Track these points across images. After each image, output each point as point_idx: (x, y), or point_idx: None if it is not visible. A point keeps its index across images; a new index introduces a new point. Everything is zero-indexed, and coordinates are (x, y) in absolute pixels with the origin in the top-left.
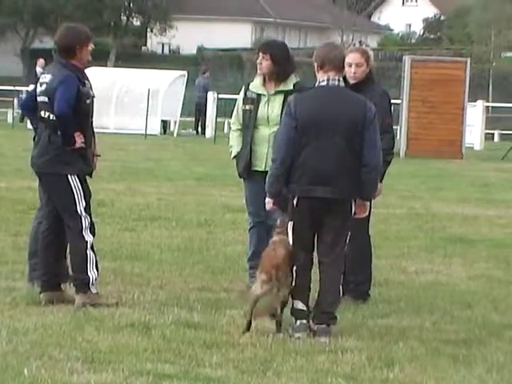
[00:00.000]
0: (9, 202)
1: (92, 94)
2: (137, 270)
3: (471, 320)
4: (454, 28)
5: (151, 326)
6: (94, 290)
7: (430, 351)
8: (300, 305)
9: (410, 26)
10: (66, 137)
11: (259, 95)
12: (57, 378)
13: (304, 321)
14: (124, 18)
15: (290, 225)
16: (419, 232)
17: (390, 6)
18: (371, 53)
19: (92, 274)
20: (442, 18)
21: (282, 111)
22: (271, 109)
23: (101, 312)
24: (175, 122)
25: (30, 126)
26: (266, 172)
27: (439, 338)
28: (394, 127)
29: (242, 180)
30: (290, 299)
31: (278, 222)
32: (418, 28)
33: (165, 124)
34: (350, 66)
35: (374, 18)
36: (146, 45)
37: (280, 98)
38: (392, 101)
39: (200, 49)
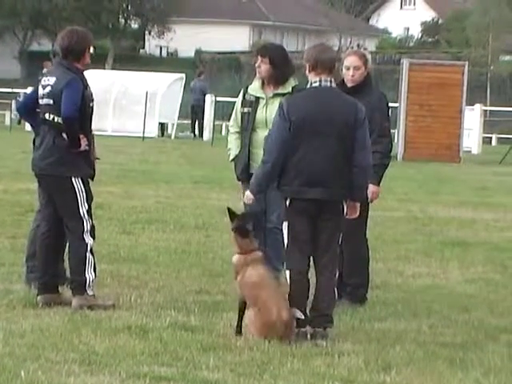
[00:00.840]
0: (6, 204)
1: (93, 97)
2: (134, 273)
3: (468, 323)
4: (452, 31)
5: (148, 328)
6: (90, 292)
7: (427, 354)
8: (298, 313)
9: (408, 29)
10: (72, 139)
11: (258, 98)
12: (54, 381)
13: (302, 329)
14: (122, 21)
15: (285, 225)
16: (416, 235)
17: (388, 10)
18: (369, 56)
19: (89, 276)
20: (440, 21)
21: None
22: (270, 112)
23: (98, 314)
24: (173, 125)
25: (28, 128)
26: None
27: (436, 342)
28: (392, 131)
29: (239, 183)
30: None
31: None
32: (415, 31)
33: (163, 127)
34: (348, 69)
35: (372, 22)
36: (143, 47)
37: (278, 101)
38: (390, 104)
39: (198, 51)
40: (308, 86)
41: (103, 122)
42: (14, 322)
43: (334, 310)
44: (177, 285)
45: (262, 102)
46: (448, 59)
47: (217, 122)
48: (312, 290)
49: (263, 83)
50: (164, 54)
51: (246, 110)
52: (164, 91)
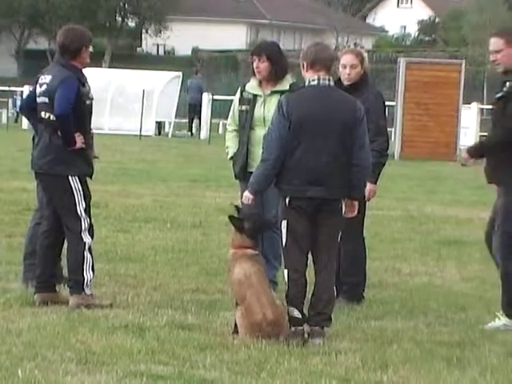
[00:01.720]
0: (3, 203)
1: (91, 96)
2: (131, 272)
3: (465, 322)
4: (449, 30)
5: (145, 327)
6: (88, 291)
7: (424, 353)
8: (295, 312)
9: (404, 27)
10: (66, 137)
11: (255, 96)
12: (50, 379)
13: (299, 327)
14: (119, 19)
15: (283, 224)
16: (413, 234)
17: (384, 8)
18: (366, 54)
19: (87, 275)
20: (437, 20)
21: None
22: (267, 109)
23: (95, 313)
24: (170, 123)
25: (25, 126)
26: None
27: (433, 340)
28: (389, 129)
29: (237, 181)
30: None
31: None
32: (412, 30)
33: (159, 125)
34: (345, 67)
35: (369, 20)
36: (140, 46)
37: (276, 99)
38: (386, 103)
39: (195, 50)
40: (306, 84)
41: (100, 121)
42: (10, 321)
43: (332, 308)
44: (174, 283)
45: (260, 100)
46: (445, 58)
47: (214, 121)
48: (310, 288)
49: (261, 81)
50: (161, 52)
51: (243, 107)
52: (161, 90)
